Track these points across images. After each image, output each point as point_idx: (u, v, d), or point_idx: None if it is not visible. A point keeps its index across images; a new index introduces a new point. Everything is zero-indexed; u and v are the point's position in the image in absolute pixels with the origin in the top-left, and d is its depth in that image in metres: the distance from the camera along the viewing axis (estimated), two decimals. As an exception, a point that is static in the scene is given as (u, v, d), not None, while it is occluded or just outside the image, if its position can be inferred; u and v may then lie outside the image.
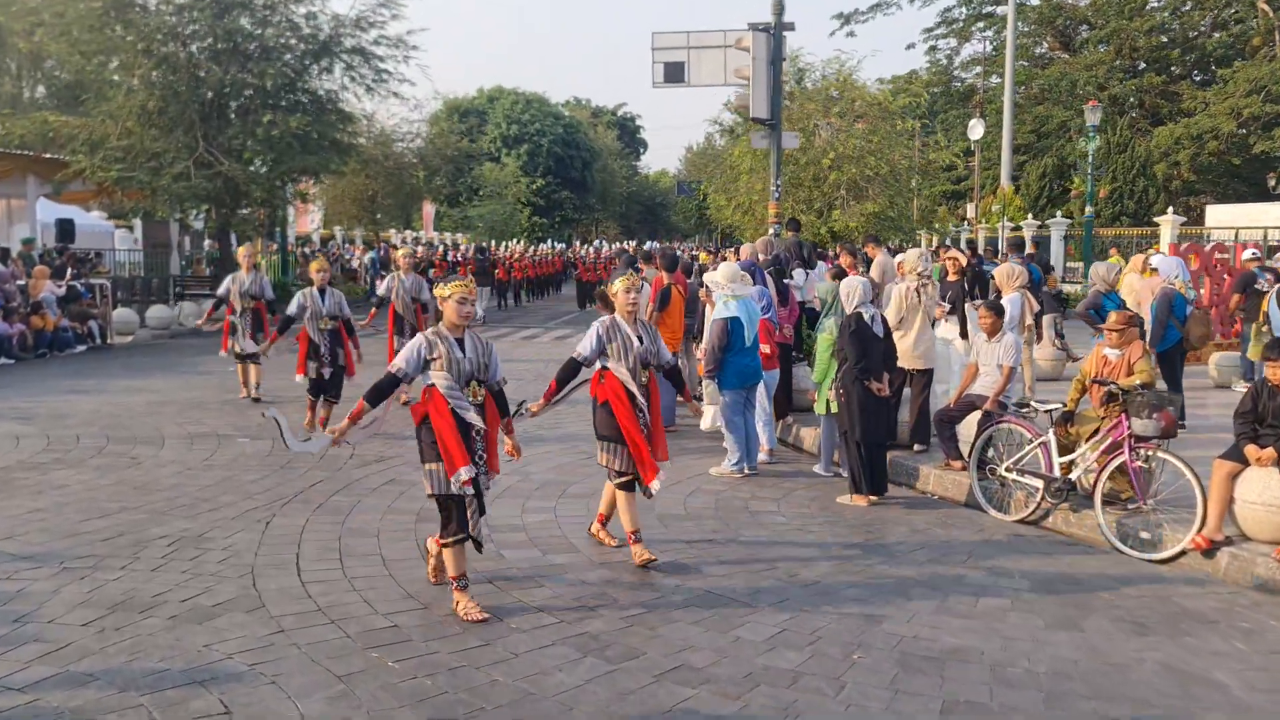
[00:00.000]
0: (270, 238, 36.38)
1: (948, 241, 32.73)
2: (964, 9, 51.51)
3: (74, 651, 4.53)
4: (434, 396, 5.10)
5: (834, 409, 8.05)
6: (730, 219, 22.43)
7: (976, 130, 42.79)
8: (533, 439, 9.51)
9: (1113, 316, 7.26)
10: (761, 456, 8.89)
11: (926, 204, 24.84)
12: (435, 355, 5.12)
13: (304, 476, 8.03)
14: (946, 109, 51.53)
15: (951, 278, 9.80)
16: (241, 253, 12.07)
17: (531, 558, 6.08)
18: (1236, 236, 27.95)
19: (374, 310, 11.82)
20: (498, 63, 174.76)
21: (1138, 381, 6.85)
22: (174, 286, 23.82)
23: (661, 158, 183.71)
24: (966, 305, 9.80)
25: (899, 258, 10.03)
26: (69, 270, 18.29)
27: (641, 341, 6.07)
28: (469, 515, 5.07)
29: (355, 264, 34.49)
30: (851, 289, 7.66)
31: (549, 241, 49.17)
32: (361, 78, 24.44)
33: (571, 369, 6.14)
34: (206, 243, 32.19)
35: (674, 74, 26.48)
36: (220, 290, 11.84)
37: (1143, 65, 47.49)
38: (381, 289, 11.71)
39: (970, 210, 42.83)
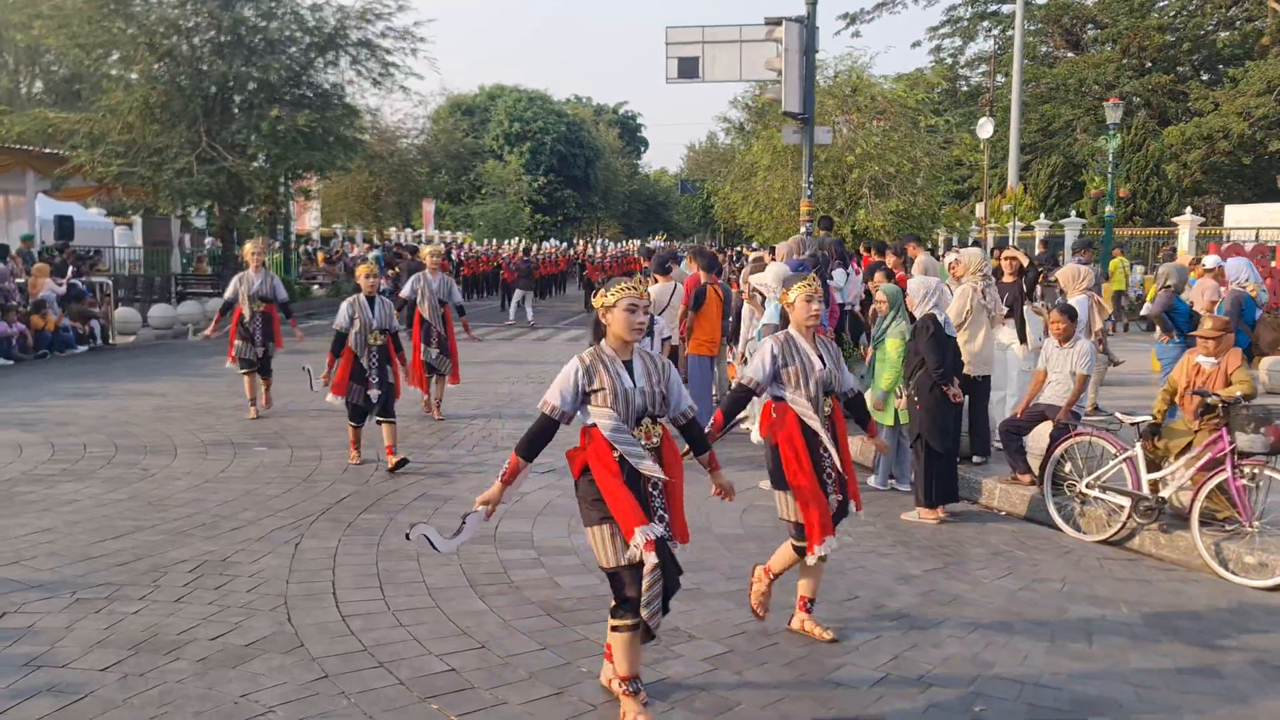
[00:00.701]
0: (272, 235, 35.80)
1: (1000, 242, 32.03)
2: (969, 7, 51.05)
3: (95, 705, 3.98)
4: (595, 440, 3.98)
5: (903, 419, 7.56)
6: (747, 217, 21.90)
7: (986, 129, 42.32)
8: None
9: (1208, 322, 6.74)
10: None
11: (930, 204, 24.28)
12: (597, 386, 3.98)
13: (329, 491, 7.49)
14: (952, 108, 51.04)
15: (1008, 279, 9.28)
16: (248, 249, 10.65)
17: (589, 585, 5.55)
18: (1257, 236, 27.52)
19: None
20: (497, 61, 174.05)
21: (1238, 393, 6.34)
22: (175, 285, 23.23)
23: (660, 156, 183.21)
24: (1025, 308, 9.30)
25: (955, 256, 9.51)
26: (70, 268, 17.70)
27: (824, 363, 4.86)
28: (645, 592, 3.82)
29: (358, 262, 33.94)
30: (926, 290, 7.13)
31: (551, 240, 48.64)
32: (368, 71, 23.88)
33: (741, 398, 4.97)
34: (208, 240, 31.64)
35: (688, 69, 25.94)
36: (228, 293, 10.49)
37: (1150, 65, 47.00)
38: (405, 291, 10.60)
39: (979, 210, 42.37)
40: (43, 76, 35.01)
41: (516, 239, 44.08)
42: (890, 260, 10.04)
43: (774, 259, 11.89)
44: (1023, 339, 9.20)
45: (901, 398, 7.22)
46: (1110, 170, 27.37)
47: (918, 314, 7.17)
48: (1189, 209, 30.12)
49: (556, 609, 5.18)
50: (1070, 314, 7.61)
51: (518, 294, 23.70)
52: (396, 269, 25.98)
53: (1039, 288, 10.23)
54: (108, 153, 20.19)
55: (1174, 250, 24.08)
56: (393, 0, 23.35)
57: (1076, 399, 7.40)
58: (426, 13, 50.18)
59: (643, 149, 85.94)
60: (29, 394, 11.82)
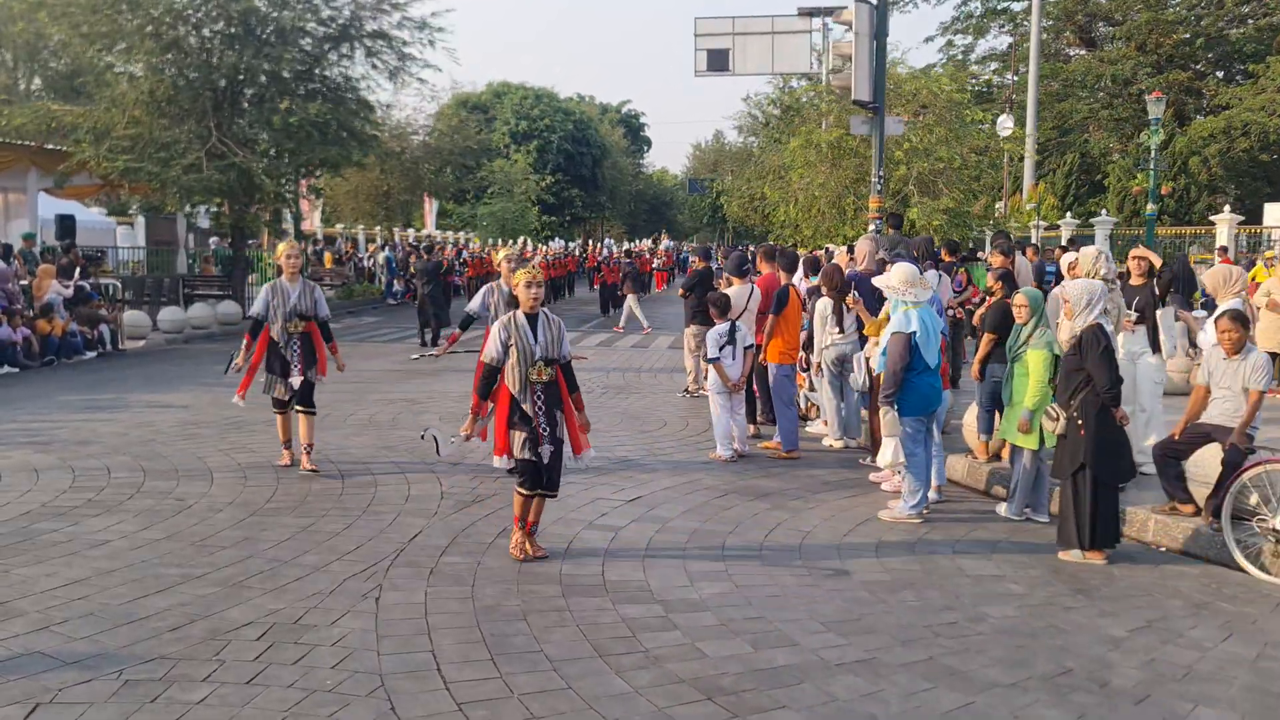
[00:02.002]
0: (278, 236, 34.80)
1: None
2: (980, 4, 50.17)
3: None
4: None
5: (1049, 442, 6.61)
6: (784, 216, 20.96)
7: (1005, 127, 41.48)
8: (620, 463, 8.05)
9: None
10: (930, 494, 7.42)
11: (974, 202, 23.41)
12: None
13: (396, 526, 6.52)
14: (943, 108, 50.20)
15: (1136, 281, 8.31)
16: (282, 252, 8.20)
17: (740, 654, 4.59)
18: (1301, 235, 26.65)
19: (457, 332, 9.14)
20: (498, 59, 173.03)
21: None
22: (183, 287, 22.20)
23: (660, 156, 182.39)
24: (1158, 313, 8.34)
25: (1070, 257, 8.59)
26: (77, 269, 16.70)
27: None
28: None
29: (368, 263, 32.91)
30: (1090, 295, 6.16)
31: (556, 239, 47.55)
32: (384, 63, 22.89)
33: None
34: (213, 240, 30.62)
35: (718, 62, 25.04)
36: (255, 308, 8.13)
37: (1166, 61, 46.15)
38: (475, 304, 8.67)
39: (999, 208, 41.52)
40: (41, 72, 33.99)
41: (522, 238, 43.05)
42: (997, 260, 9.10)
43: (850, 258, 10.96)
44: (1155, 348, 8.25)
45: (1057, 420, 6.25)
46: (1152, 166, 26.43)
47: (1078, 322, 6.21)
48: (1226, 207, 29.20)
49: (716, 690, 4.21)
50: (1243, 321, 6.64)
51: (630, 298, 21.06)
52: (411, 270, 24.98)
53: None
54: (113, 148, 19.19)
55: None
56: (408, -11, 22.39)
57: (1251, 419, 6.46)
58: (444, 2, 48.72)
59: (646, 148, 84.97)
60: (39, 406, 10.84)
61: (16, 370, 13.67)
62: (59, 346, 14.79)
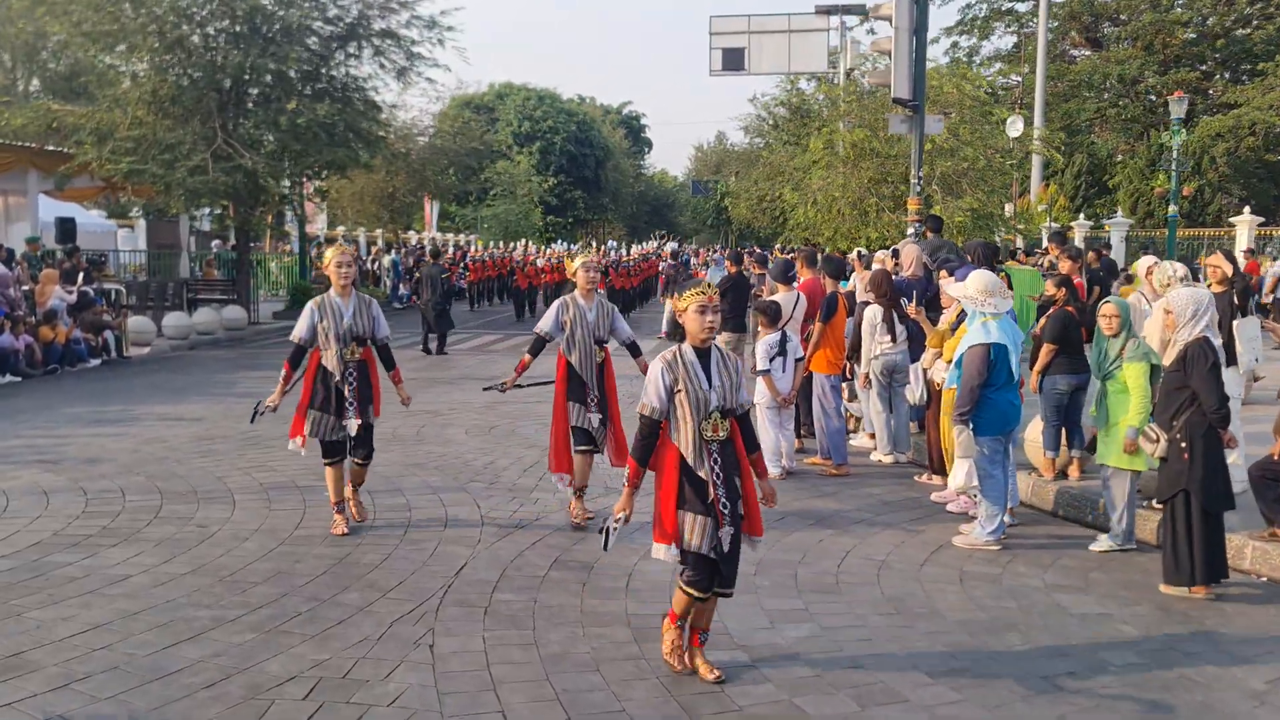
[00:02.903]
0: (280, 238, 34.26)
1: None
2: (984, 5, 49.77)
3: None
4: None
5: (1138, 464, 6.13)
6: (802, 217, 20.47)
7: (1015, 127, 41.04)
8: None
9: None
10: (1004, 518, 6.93)
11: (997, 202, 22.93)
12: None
13: (438, 557, 6.02)
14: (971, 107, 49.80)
15: (1215, 289, 7.84)
16: (331, 260, 6.49)
17: (847, 714, 4.09)
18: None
19: (526, 357, 6.76)
20: (499, 59, 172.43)
21: None
22: (186, 291, 21.67)
23: (660, 157, 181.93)
24: (1234, 324, 7.87)
25: (1146, 261, 8.11)
26: (80, 274, 16.18)
27: None
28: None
29: (372, 266, 32.38)
30: (1196, 306, 5.66)
31: (558, 242, 46.91)
32: (392, 63, 22.39)
33: None
34: (215, 243, 30.12)
35: (733, 61, 24.56)
36: (299, 330, 6.38)
37: (1173, 61, 45.76)
38: (548, 324, 6.77)
39: (1008, 209, 41.10)
40: (40, 73, 33.50)
41: (524, 240, 42.43)
42: (1066, 265, 8.62)
43: (895, 263, 10.48)
44: (1230, 360, 7.77)
45: (1157, 441, 5.76)
46: (1174, 167, 25.98)
47: (1182, 335, 5.71)
48: (1246, 209, 28.74)
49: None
50: (1351, 334, 6.18)
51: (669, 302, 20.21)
52: (417, 275, 24.28)
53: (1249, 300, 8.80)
54: (117, 149, 18.67)
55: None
56: (417, -14, 21.87)
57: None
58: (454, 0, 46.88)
59: (647, 150, 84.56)
60: (45, 419, 10.33)
61: (19, 379, 13.16)
62: (62, 354, 14.28)
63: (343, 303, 6.44)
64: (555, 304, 6.85)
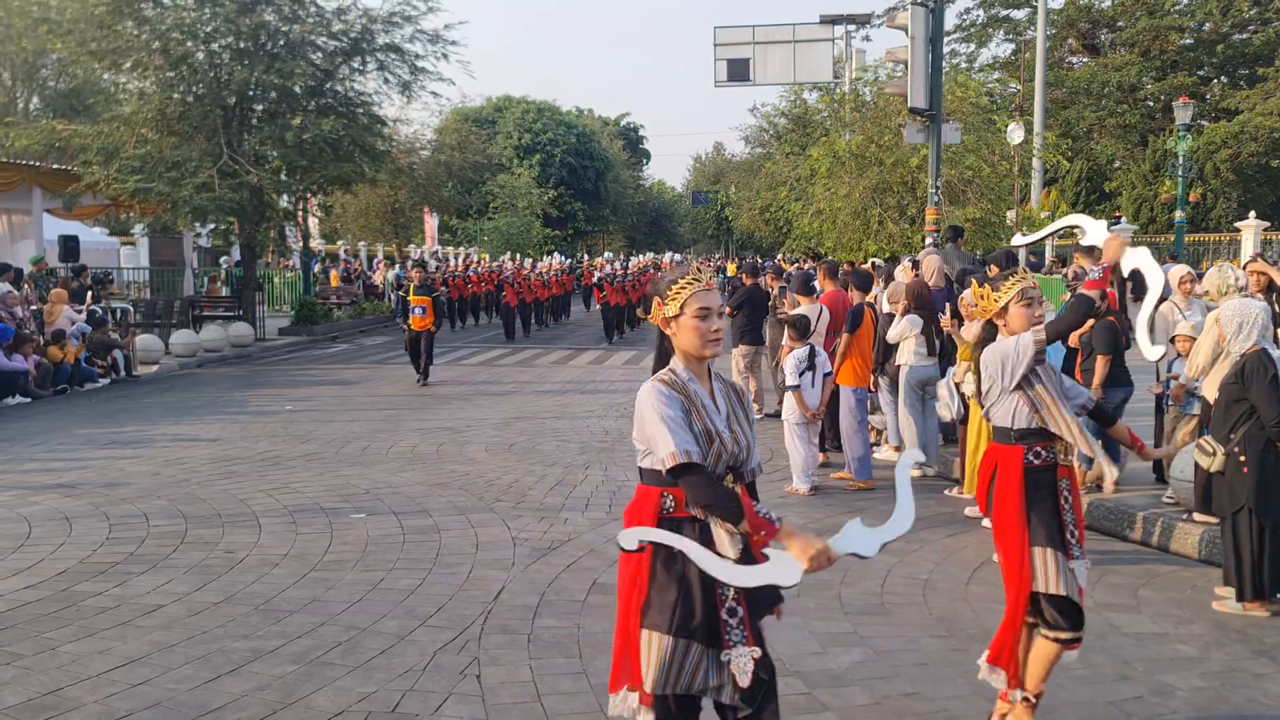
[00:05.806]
0: (283, 254, 34.20)
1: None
2: (982, 12, 49.87)
3: None
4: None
5: (1179, 475, 6.02)
6: (806, 227, 20.41)
7: (1016, 135, 41.04)
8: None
9: None
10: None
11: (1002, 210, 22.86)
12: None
13: (475, 581, 5.89)
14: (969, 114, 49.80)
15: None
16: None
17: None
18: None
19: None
20: (496, 72, 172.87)
21: None
22: (192, 309, 21.56)
23: (659, 168, 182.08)
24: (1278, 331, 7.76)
25: (1179, 269, 8.00)
26: (88, 293, 16.07)
27: None
28: None
29: (378, 281, 32.29)
30: (1243, 318, 5.57)
31: (556, 255, 46.64)
32: (396, 77, 22.34)
33: None
34: (223, 259, 30.04)
35: (738, 72, 24.53)
36: (676, 443, 2.98)
37: (1170, 67, 45.78)
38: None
39: (1010, 216, 41.07)
40: (40, 92, 33.45)
41: (509, 254, 41.98)
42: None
43: (916, 273, 10.38)
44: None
45: (1213, 455, 5.65)
46: (1181, 173, 25.95)
47: (1235, 347, 5.61)
48: (1252, 214, 28.71)
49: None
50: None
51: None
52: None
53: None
54: (123, 168, 18.59)
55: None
56: (422, 1, 21.84)
57: None
58: (457, 15, 46.16)
59: (645, 161, 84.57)
60: (59, 442, 10.21)
61: (28, 400, 13.04)
62: (71, 374, 14.15)
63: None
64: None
